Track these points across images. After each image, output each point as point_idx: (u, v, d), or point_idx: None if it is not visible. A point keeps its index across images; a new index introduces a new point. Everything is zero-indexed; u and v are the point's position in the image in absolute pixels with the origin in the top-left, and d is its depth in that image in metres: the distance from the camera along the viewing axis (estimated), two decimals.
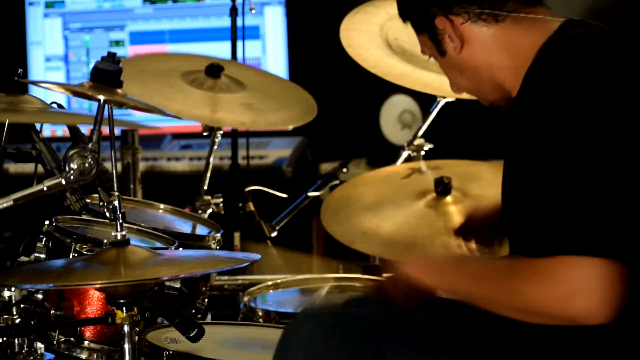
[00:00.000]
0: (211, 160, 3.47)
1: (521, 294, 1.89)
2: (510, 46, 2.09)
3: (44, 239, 2.52)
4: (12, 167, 4.63)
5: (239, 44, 4.01)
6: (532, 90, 1.97)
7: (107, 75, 2.17)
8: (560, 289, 1.83)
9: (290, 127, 3.47)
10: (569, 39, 2.00)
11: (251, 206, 3.81)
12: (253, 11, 3.93)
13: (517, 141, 1.99)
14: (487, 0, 2.08)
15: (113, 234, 2.10)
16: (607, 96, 1.90)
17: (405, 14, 2.20)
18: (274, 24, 5.10)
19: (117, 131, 2.72)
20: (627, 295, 1.83)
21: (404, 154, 3.67)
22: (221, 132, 3.39)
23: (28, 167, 3.47)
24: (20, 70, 2.32)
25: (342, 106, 4.85)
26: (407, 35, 3.52)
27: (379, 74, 3.46)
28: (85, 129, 2.35)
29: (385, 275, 2.15)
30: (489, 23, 2.09)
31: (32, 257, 2.51)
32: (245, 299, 3.02)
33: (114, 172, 2.16)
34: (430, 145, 3.64)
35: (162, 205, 3.02)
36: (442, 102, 3.60)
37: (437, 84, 3.42)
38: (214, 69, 3.36)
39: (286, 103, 3.42)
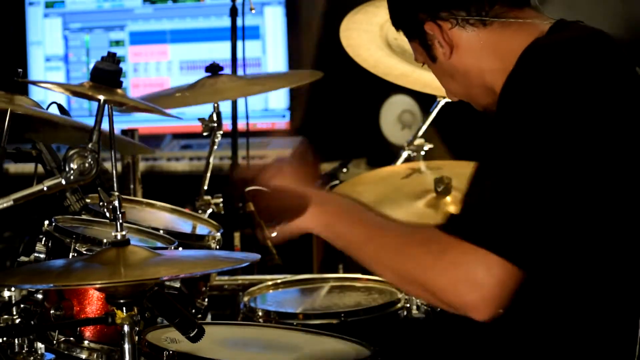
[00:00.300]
0: (211, 160, 3.47)
1: (415, 266, 1.92)
2: (499, 50, 2.10)
3: (44, 239, 2.52)
4: (12, 167, 4.63)
5: (239, 44, 4.02)
6: (507, 94, 1.98)
7: (107, 75, 2.17)
8: (450, 274, 1.87)
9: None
10: (549, 44, 2.01)
11: (251, 206, 3.81)
12: (253, 11, 3.93)
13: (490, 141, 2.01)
14: (474, 5, 2.08)
15: (113, 234, 2.10)
16: (572, 107, 1.91)
17: (396, 21, 2.21)
18: (274, 24, 5.10)
19: (117, 131, 2.72)
20: (512, 301, 1.87)
21: (404, 154, 3.67)
22: (221, 132, 3.39)
23: (28, 167, 3.47)
24: (20, 70, 2.32)
25: (342, 106, 4.85)
26: None
27: (379, 74, 3.46)
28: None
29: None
30: (477, 28, 2.10)
31: (32, 257, 2.51)
32: (245, 299, 3.02)
33: (114, 172, 2.15)
34: (430, 145, 3.64)
35: (162, 205, 3.02)
36: (442, 102, 3.60)
37: (437, 84, 3.41)
38: (214, 69, 3.36)
39: (288, 75, 3.43)
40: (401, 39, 3.52)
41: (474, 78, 2.14)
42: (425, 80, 3.44)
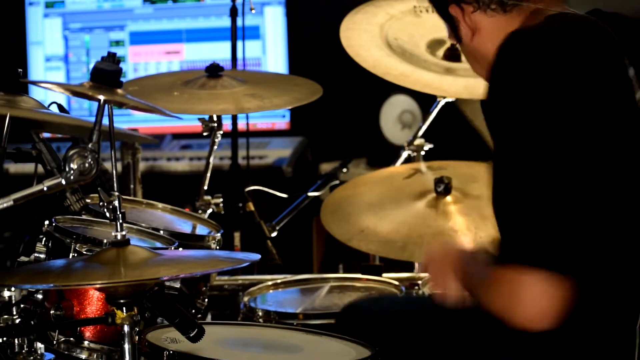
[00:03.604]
0: (211, 160, 3.47)
1: (485, 301, 2.04)
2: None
3: (44, 239, 2.52)
4: (12, 167, 4.63)
5: (239, 44, 4.02)
6: (492, 85, 2.00)
7: (107, 75, 2.17)
8: (503, 300, 1.96)
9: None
10: (524, 34, 2.02)
11: (251, 206, 3.81)
12: (253, 11, 3.93)
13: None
14: None
15: (113, 234, 2.10)
16: (556, 101, 1.93)
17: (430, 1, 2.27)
18: (274, 24, 5.10)
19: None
20: (574, 305, 1.93)
21: (404, 154, 3.67)
22: (221, 132, 3.39)
23: (28, 167, 3.47)
24: (20, 70, 2.32)
25: (342, 106, 4.85)
26: (407, 35, 3.53)
27: (379, 74, 3.46)
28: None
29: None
30: (497, 12, 2.13)
31: (32, 257, 2.51)
32: (245, 299, 3.02)
33: (114, 172, 2.15)
34: (430, 145, 3.64)
35: (162, 205, 3.02)
36: (442, 102, 3.60)
37: (437, 84, 3.42)
38: (214, 69, 3.36)
39: (289, 88, 3.43)
40: (401, 39, 3.54)
41: (488, 59, 2.14)
42: (425, 80, 3.44)
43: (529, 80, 1.94)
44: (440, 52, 3.47)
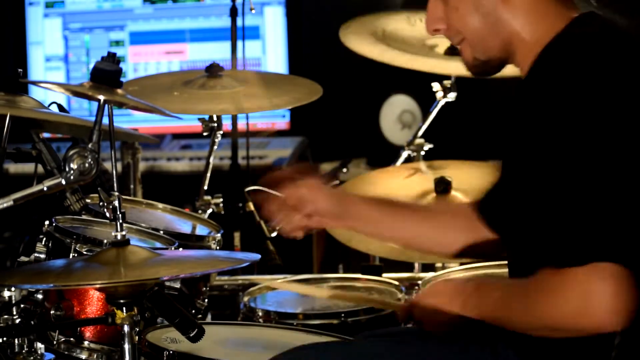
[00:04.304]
0: (211, 160, 3.47)
1: (537, 315, 1.93)
2: (542, 20, 2.08)
3: (44, 239, 2.52)
4: (12, 167, 4.63)
5: (239, 44, 4.02)
6: (548, 88, 1.95)
7: (107, 75, 2.17)
8: (573, 305, 1.86)
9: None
10: (581, 36, 1.99)
11: (251, 206, 3.81)
12: (253, 11, 3.93)
13: (526, 137, 1.99)
14: None
15: (113, 234, 2.10)
16: (623, 100, 1.91)
17: None
18: (274, 24, 5.10)
19: None
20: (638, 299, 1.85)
21: (404, 154, 3.67)
22: (221, 132, 3.39)
23: (28, 167, 3.47)
24: (20, 70, 2.32)
25: (342, 106, 4.85)
26: (406, 37, 3.53)
27: (386, 61, 3.44)
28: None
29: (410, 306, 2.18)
30: None
31: (32, 257, 2.51)
32: (245, 299, 3.02)
33: (114, 172, 2.15)
34: (430, 145, 3.64)
35: (162, 205, 3.02)
36: (442, 102, 3.60)
37: (444, 65, 3.41)
38: (214, 69, 3.36)
39: (289, 88, 3.42)
40: (401, 40, 3.53)
41: (502, 29, 2.10)
42: (432, 62, 3.43)
43: (601, 86, 1.91)
44: (441, 49, 3.46)
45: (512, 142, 2.06)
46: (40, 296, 2.46)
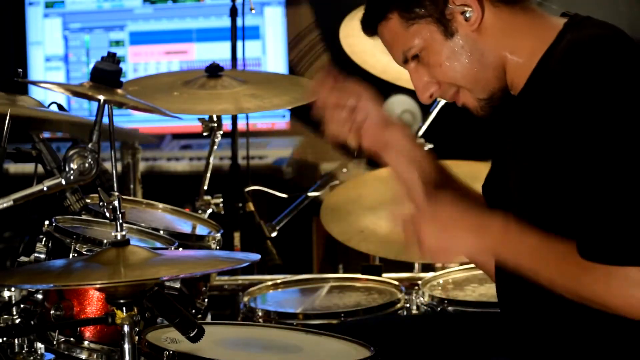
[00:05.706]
0: (211, 160, 3.47)
1: (582, 295, 1.93)
2: (525, 32, 2.07)
3: (44, 239, 2.52)
4: (12, 167, 4.63)
5: (239, 44, 4.02)
6: (564, 95, 1.94)
7: (107, 75, 2.17)
8: (620, 301, 1.89)
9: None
10: (594, 39, 1.98)
11: (251, 206, 3.81)
12: (253, 11, 3.93)
13: (539, 145, 1.98)
14: None
15: (113, 234, 2.10)
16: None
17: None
18: (274, 24, 5.10)
19: None
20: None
21: None
22: (221, 132, 3.39)
23: (28, 167, 3.47)
24: (20, 70, 2.32)
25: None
26: None
27: (390, 80, 3.44)
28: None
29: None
30: (507, 6, 2.07)
31: (32, 257, 2.51)
32: (245, 299, 3.02)
33: (114, 172, 2.15)
34: (430, 145, 3.64)
35: (162, 205, 3.02)
36: (442, 102, 3.60)
37: None
38: (214, 69, 3.36)
39: (288, 89, 3.42)
40: None
41: (490, 59, 2.07)
42: None
43: (622, 87, 1.91)
44: None
45: (517, 154, 2.05)
46: (40, 296, 2.46)
